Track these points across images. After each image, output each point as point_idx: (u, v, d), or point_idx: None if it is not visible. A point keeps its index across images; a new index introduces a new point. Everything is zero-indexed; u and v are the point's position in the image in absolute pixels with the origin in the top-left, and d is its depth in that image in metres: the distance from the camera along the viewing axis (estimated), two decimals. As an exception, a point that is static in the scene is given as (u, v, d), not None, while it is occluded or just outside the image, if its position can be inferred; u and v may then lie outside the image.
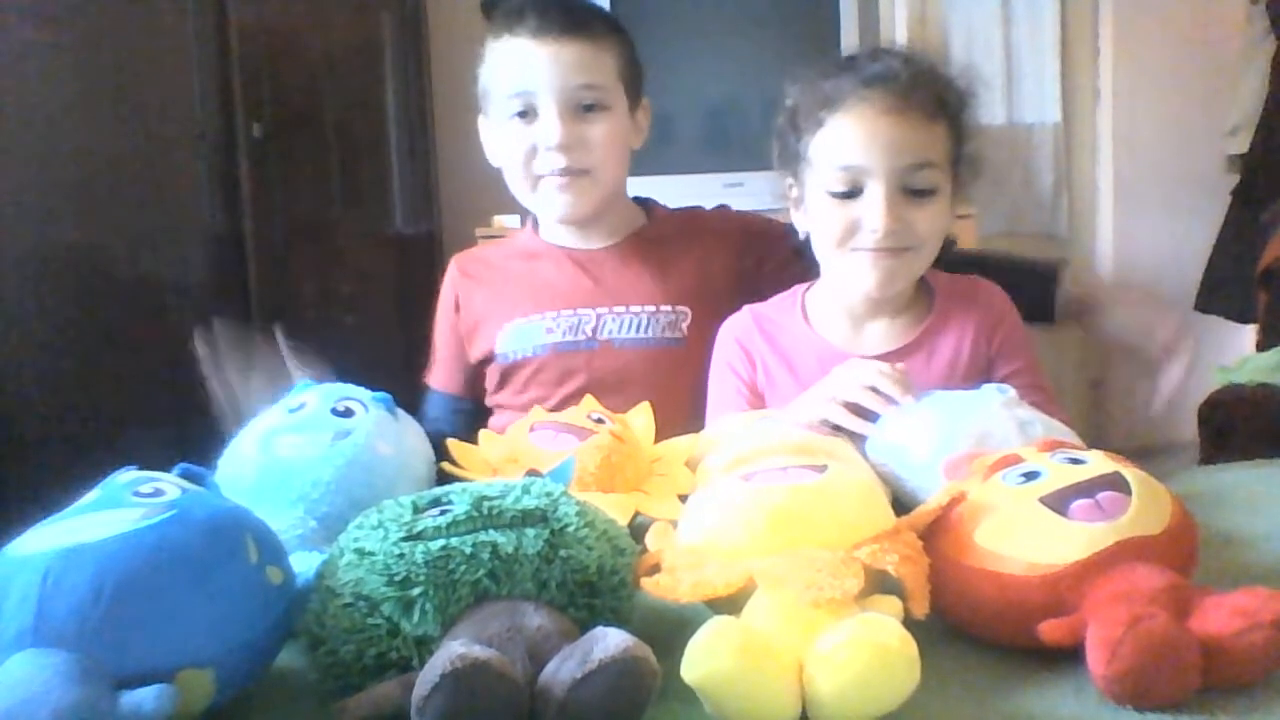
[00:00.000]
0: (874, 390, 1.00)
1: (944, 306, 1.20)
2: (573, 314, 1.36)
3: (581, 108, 1.31)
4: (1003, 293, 1.24)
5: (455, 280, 1.44)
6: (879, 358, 1.15)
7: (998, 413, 0.92)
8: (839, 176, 1.10)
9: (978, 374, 1.16)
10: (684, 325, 1.37)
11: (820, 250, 1.17)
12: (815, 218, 1.15)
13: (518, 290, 1.40)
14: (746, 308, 1.27)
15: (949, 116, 1.12)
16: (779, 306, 1.26)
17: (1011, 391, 0.96)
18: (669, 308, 1.37)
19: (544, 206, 1.38)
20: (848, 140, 1.10)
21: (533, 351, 1.36)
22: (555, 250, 1.41)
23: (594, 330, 1.36)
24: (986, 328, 1.19)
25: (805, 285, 1.26)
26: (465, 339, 1.42)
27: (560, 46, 1.30)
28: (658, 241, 1.42)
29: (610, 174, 1.36)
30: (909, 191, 1.10)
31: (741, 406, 1.21)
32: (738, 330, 1.26)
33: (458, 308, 1.43)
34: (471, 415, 1.42)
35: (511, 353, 1.37)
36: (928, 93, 1.10)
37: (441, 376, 1.46)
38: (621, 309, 1.36)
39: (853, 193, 1.10)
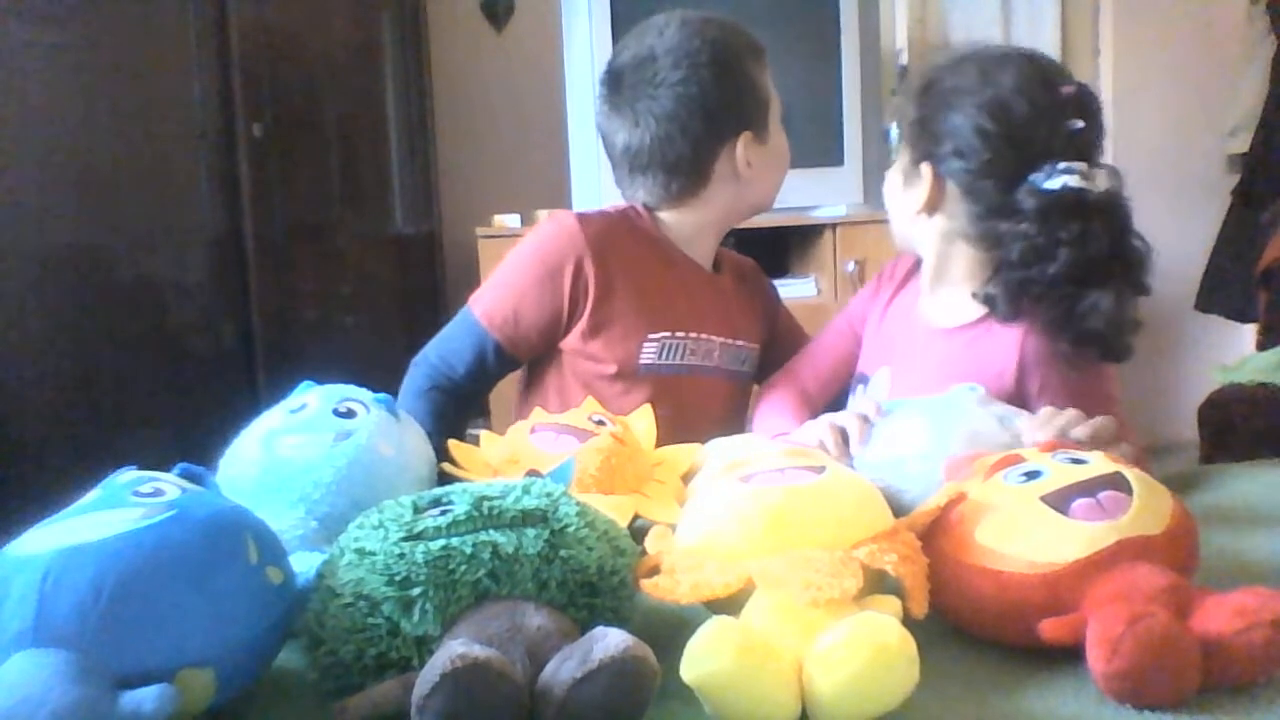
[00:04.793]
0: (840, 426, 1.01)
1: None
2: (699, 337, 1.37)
3: None
4: None
5: (581, 251, 1.31)
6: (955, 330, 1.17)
7: (977, 411, 0.93)
8: None
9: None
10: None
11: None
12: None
13: (660, 300, 1.35)
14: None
15: None
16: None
17: (980, 389, 0.97)
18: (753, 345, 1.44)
19: None
20: None
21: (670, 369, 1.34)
22: (691, 263, 1.39)
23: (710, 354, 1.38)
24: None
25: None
26: (570, 314, 1.32)
27: None
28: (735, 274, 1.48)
29: None
30: None
31: (840, 328, 1.34)
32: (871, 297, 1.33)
33: (577, 277, 1.31)
34: (467, 389, 1.35)
35: (650, 365, 1.33)
36: None
37: (498, 319, 1.33)
38: (729, 340, 1.39)
39: None
